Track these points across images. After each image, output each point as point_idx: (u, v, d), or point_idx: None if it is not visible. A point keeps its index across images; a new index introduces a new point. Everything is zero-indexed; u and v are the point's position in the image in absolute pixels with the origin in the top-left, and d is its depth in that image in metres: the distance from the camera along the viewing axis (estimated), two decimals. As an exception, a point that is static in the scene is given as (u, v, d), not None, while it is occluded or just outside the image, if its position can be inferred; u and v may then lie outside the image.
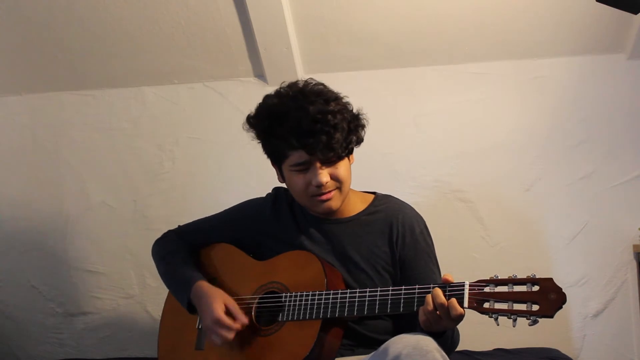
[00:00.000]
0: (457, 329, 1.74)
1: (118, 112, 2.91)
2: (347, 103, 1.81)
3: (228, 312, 1.74)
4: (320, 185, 1.74)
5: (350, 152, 1.82)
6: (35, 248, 2.88)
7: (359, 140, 1.83)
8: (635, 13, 1.84)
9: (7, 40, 2.78)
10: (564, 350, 2.44)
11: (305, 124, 1.69)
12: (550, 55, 2.68)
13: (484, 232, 2.66)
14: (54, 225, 2.88)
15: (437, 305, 1.51)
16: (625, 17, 2.39)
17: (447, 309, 1.49)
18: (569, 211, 2.63)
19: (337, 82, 2.70)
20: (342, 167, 1.77)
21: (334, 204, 1.79)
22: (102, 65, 2.84)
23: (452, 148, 2.71)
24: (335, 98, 1.77)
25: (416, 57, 2.72)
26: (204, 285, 1.83)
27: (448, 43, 2.68)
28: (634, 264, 2.57)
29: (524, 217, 2.65)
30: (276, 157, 1.81)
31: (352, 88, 2.70)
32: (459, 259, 2.58)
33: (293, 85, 1.80)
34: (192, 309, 1.85)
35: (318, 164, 1.73)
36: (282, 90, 1.80)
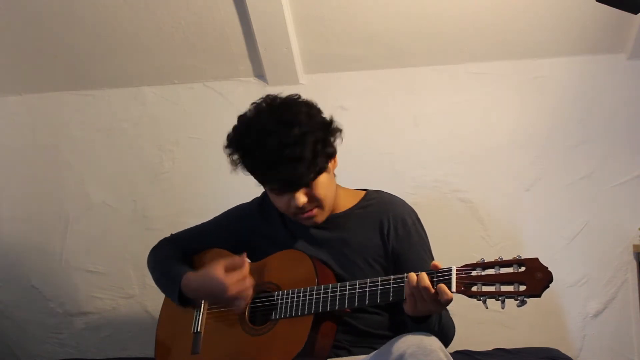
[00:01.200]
0: (451, 322, 1.74)
1: (118, 112, 2.91)
2: (313, 118, 1.72)
3: (231, 274, 1.74)
4: (297, 208, 1.75)
5: (321, 172, 1.74)
6: (35, 248, 2.88)
7: (331, 154, 1.78)
8: (635, 13, 1.84)
9: (7, 40, 2.78)
10: (564, 350, 2.43)
11: (265, 162, 1.69)
12: (550, 55, 2.68)
13: (484, 232, 2.66)
14: (54, 225, 2.88)
15: (420, 288, 1.51)
16: (625, 17, 2.39)
17: (432, 294, 1.50)
18: (569, 211, 2.63)
19: (337, 82, 2.76)
20: (319, 186, 1.75)
21: (319, 219, 1.81)
22: (102, 65, 2.84)
23: (452, 148, 2.71)
24: (299, 122, 1.68)
25: (416, 57, 2.72)
26: (192, 273, 1.84)
27: (448, 43, 2.68)
28: (634, 264, 2.57)
29: (524, 217, 2.65)
30: (254, 176, 1.82)
31: (352, 88, 2.75)
32: (459, 259, 2.55)
33: (258, 108, 1.77)
34: (184, 302, 1.86)
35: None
36: (248, 114, 1.78)
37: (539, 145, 2.67)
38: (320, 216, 1.81)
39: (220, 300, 1.79)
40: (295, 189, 1.72)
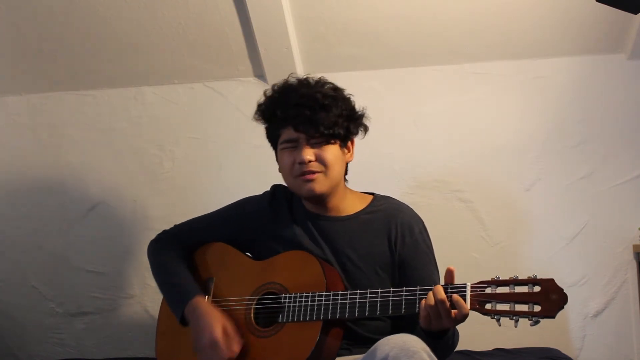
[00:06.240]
0: (457, 330, 1.74)
1: (118, 112, 2.91)
2: (349, 95, 1.88)
3: (225, 337, 1.75)
4: (303, 162, 1.77)
5: (337, 136, 1.81)
6: (35, 248, 2.88)
7: (350, 131, 1.85)
8: (635, 13, 1.85)
9: (7, 40, 2.78)
10: (564, 350, 2.44)
11: (293, 100, 1.78)
12: (550, 55, 2.68)
13: (484, 232, 2.66)
14: (54, 225, 2.88)
15: (437, 302, 1.51)
16: (625, 17, 2.39)
17: (447, 308, 1.50)
18: (569, 211, 2.63)
19: (337, 82, 2.72)
20: (329, 151, 1.80)
21: (317, 186, 1.80)
22: (102, 65, 2.84)
23: (452, 148, 2.70)
24: (335, 88, 1.86)
25: (416, 57, 2.72)
26: (202, 303, 1.83)
27: (448, 43, 2.68)
28: (634, 264, 2.57)
29: (524, 217, 2.65)
30: (273, 139, 1.88)
31: (352, 88, 2.70)
32: (459, 259, 2.58)
33: (300, 78, 1.90)
34: (184, 322, 1.85)
35: (304, 143, 1.78)
36: (289, 79, 1.90)
37: (539, 145, 2.67)
38: (321, 185, 1.80)
39: (196, 342, 1.79)
40: (312, 134, 1.77)
